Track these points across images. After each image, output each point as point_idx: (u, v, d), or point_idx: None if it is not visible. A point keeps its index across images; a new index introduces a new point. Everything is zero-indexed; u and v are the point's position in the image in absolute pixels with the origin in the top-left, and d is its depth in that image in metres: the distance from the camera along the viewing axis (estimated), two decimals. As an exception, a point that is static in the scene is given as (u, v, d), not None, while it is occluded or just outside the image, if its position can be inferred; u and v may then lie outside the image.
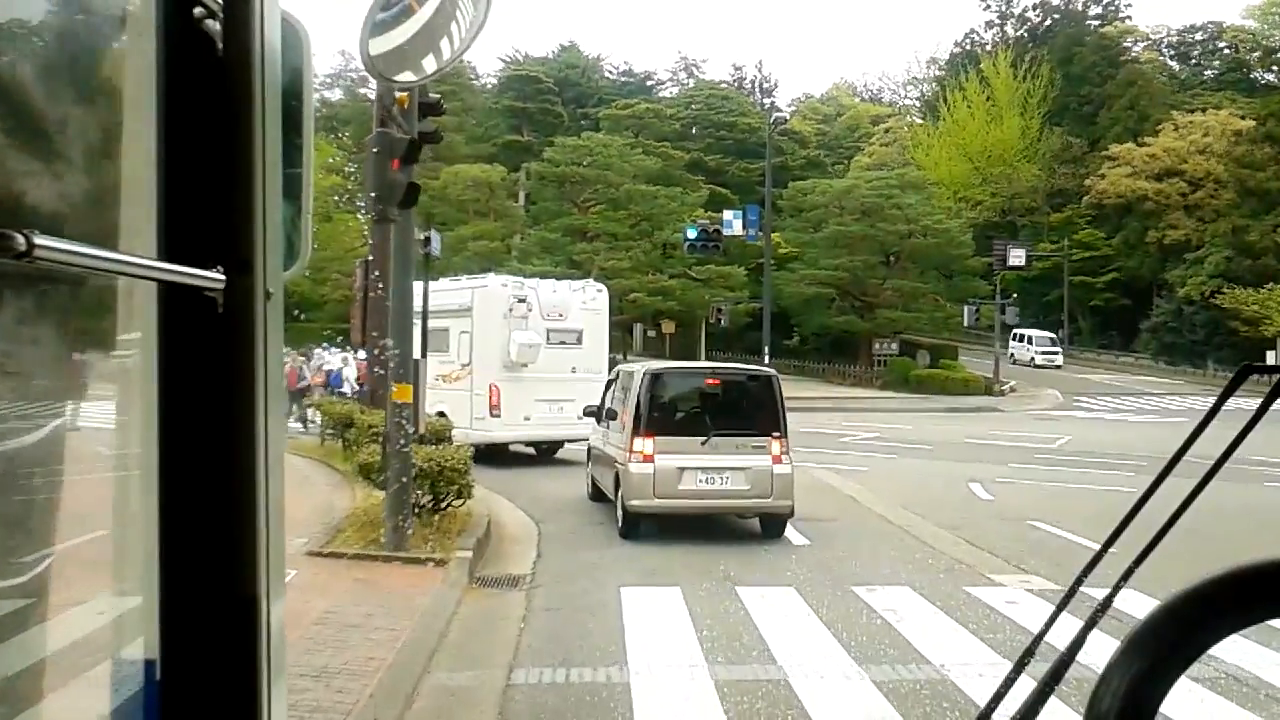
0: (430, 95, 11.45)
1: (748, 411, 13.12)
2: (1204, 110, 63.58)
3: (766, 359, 36.94)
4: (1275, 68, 70.88)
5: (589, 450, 16.15)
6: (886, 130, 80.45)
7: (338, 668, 7.29)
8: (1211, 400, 1.00)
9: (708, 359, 43.96)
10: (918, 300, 50.59)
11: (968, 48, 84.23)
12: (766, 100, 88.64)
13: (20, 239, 0.77)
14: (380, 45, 3.42)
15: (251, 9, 1.08)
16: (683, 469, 12.45)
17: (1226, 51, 77.56)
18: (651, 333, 56.77)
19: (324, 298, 49.57)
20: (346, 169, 56.08)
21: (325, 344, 33.36)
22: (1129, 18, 78.85)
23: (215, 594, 1.08)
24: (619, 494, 12.91)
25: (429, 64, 3.48)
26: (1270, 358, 41.55)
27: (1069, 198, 67.13)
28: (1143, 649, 0.90)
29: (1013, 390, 47.66)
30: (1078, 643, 1.01)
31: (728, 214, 44.94)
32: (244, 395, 1.08)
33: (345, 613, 8.75)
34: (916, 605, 9.59)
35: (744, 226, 44.00)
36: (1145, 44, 78.17)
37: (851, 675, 7.49)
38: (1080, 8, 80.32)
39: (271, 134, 1.11)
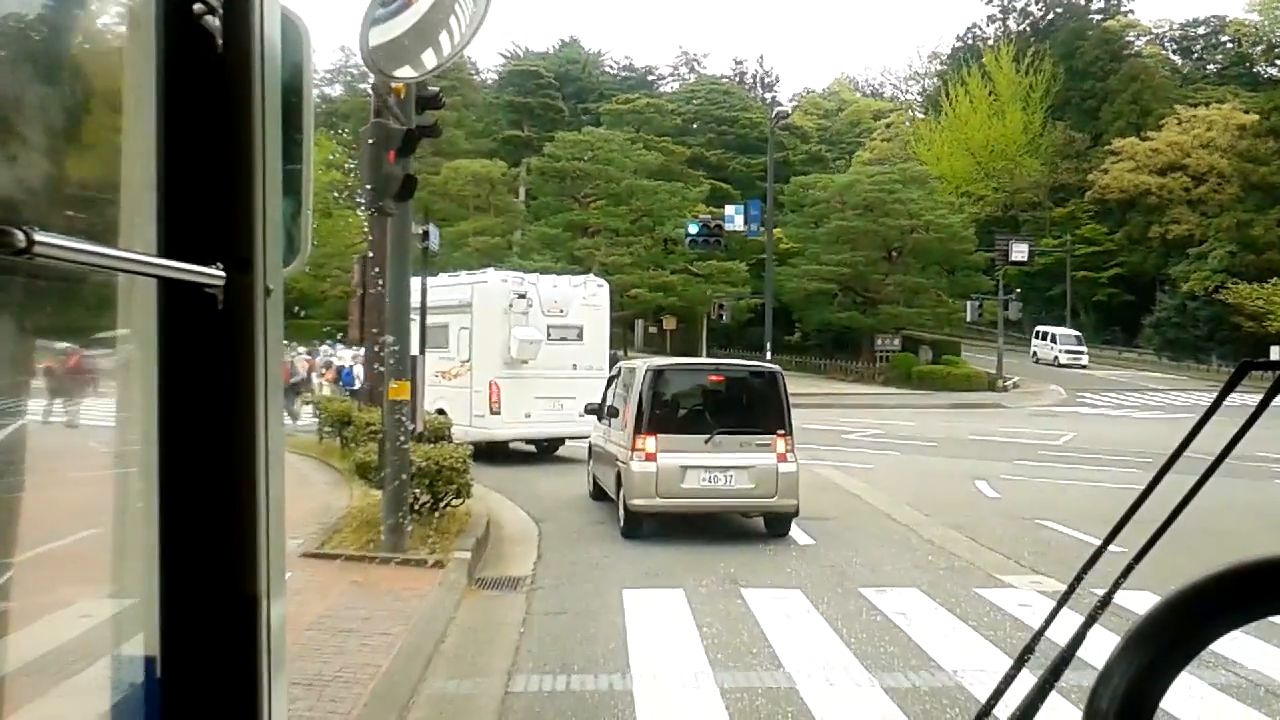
0: (429, 88, 11.22)
1: (752, 409, 12.89)
2: (1207, 105, 63.30)
3: (768, 355, 36.68)
4: (1279, 62, 70.59)
5: (590, 448, 15.93)
6: (888, 125, 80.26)
7: (331, 675, 7.07)
8: (1215, 396, 0.98)
9: (709, 355, 43.77)
10: (920, 296, 50.30)
11: (969, 42, 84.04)
12: (768, 95, 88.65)
13: (20, 235, 0.77)
14: (380, 41, 3.43)
15: (251, 5, 1.07)
16: (686, 467, 12.21)
17: (1229, 46, 77.39)
18: (653, 329, 56.60)
19: (324, 294, 49.41)
20: (346, 165, 55.82)
21: (331, 341, 33.12)
22: (1131, 11, 78.80)
23: (215, 591, 1.07)
24: (621, 493, 12.69)
25: (429, 59, 3.44)
26: (1275, 353, 41.20)
27: (1071, 192, 66.91)
28: (1143, 645, 0.90)
29: (1015, 386, 47.44)
30: (1078, 639, 1.02)
31: (729, 209, 44.61)
32: (244, 392, 1.07)
33: (340, 617, 8.53)
34: (926, 608, 9.36)
35: (745, 222, 43.66)
36: (1148, 38, 77.96)
37: (862, 682, 7.27)
38: (1083, 2, 80.00)
39: (271, 130, 1.10)
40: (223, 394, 1.07)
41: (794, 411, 12.93)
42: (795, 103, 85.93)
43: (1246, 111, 60.68)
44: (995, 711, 1.10)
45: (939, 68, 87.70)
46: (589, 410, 15.57)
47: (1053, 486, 18.00)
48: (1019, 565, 11.38)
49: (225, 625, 1.08)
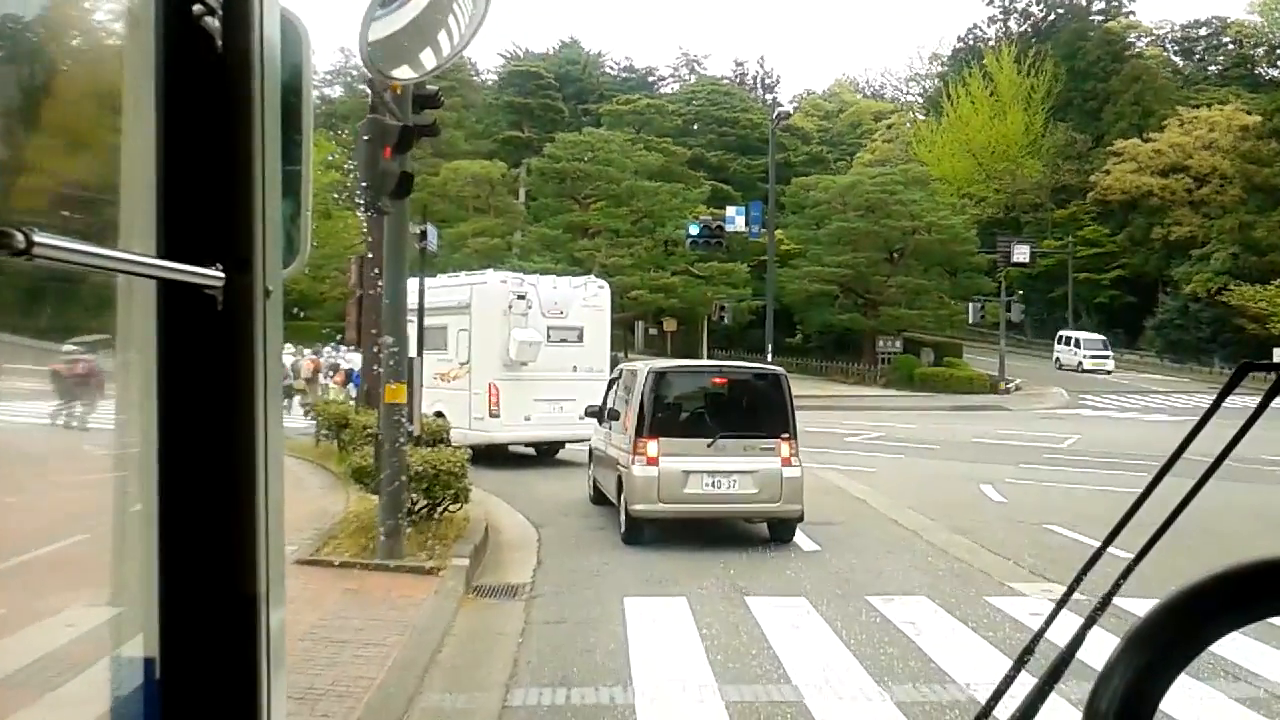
0: (428, 87, 10.99)
1: (755, 412, 12.66)
2: (1209, 106, 63.06)
3: (769, 357, 36.47)
4: (1280, 63, 70.50)
5: (590, 451, 15.70)
6: (889, 126, 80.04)
7: (324, 688, 6.85)
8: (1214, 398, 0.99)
9: (710, 357, 43.55)
10: (921, 297, 50.03)
11: (971, 43, 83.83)
12: (768, 96, 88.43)
13: (19, 236, 0.77)
14: (380, 41, 3.40)
15: (250, 6, 1.07)
16: (688, 472, 11.98)
17: (1231, 47, 77.12)
18: (653, 331, 56.35)
19: (323, 295, 49.28)
20: (346, 165, 55.73)
21: (334, 343, 32.91)
22: (1132, 13, 78.50)
23: (215, 592, 1.07)
24: (622, 498, 12.46)
25: (428, 60, 3.42)
26: (1278, 355, 40.94)
27: (1073, 194, 66.57)
28: (1143, 646, 0.90)
29: (1018, 389, 47.18)
30: (1077, 640, 1.02)
31: (730, 210, 44.38)
32: (243, 393, 1.07)
33: (334, 626, 8.31)
34: (936, 617, 9.12)
35: (746, 223, 43.44)
36: (1149, 39, 77.72)
37: (872, 695, 7.04)
38: (1084, 2, 79.81)
39: (271, 131, 1.10)
40: (222, 395, 1.07)
41: (796, 414, 12.71)
42: (796, 104, 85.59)
43: (1249, 113, 60.41)
44: (995, 712, 1.11)
45: (940, 69, 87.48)
46: (589, 413, 15.34)
47: (1059, 490, 17.76)
48: (1029, 572, 11.15)
49: (225, 626, 1.07)
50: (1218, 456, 1.00)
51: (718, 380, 13.31)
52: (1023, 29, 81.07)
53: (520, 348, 19.03)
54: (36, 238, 0.78)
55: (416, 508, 11.49)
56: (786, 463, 12.17)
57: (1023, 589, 10.29)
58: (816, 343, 56.44)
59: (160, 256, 1.04)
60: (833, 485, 17.12)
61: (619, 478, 12.66)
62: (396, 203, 10.20)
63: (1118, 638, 0.91)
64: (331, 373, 32.66)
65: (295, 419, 23.97)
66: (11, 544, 1.13)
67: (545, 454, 20.81)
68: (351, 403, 22.23)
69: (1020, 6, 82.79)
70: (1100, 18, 77.43)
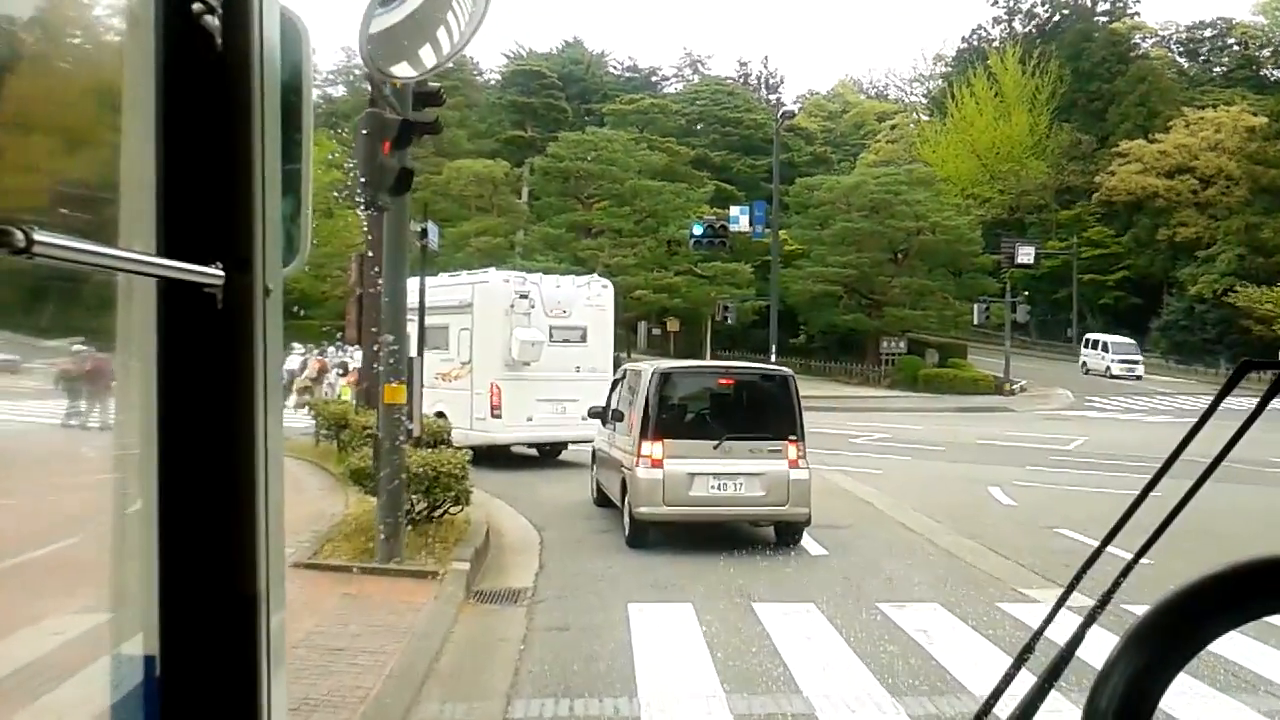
0: (430, 84, 10.77)
1: (762, 413, 12.42)
2: (1215, 107, 62.75)
3: (773, 357, 36.24)
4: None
5: (594, 453, 15.47)
6: (893, 127, 79.78)
7: (318, 698, 6.64)
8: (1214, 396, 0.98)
9: (713, 357, 43.24)
10: (926, 298, 49.80)
11: (975, 44, 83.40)
12: (772, 96, 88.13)
13: (19, 235, 0.77)
14: (380, 39, 3.41)
15: (250, 5, 1.07)
16: (694, 474, 11.76)
17: (1236, 48, 76.79)
18: (656, 331, 56.16)
19: (324, 294, 48.94)
20: (347, 164, 55.42)
21: (339, 344, 32.63)
22: (1137, 13, 78.12)
23: (215, 590, 1.07)
24: (626, 500, 12.23)
25: (428, 58, 3.40)
26: (1283, 357, 40.64)
27: (1078, 195, 66.32)
28: (1142, 645, 0.90)
29: (1023, 390, 46.91)
30: (1077, 639, 1.02)
31: (734, 210, 44.14)
32: (243, 392, 1.07)
33: (330, 633, 8.09)
34: (949, 625, 8.89)
35: (750, 223, 43.23)
36: (1154, 40, 77.39)
37: (885, 708, 6.82)
38: (1089, 3, 79.50)
39: (271, 130, 1.10)
40: (222, 394, 1.07)
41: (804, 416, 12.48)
42: (799, 104, 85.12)
43: (1255, 114, 60.11)
44: (995, 710, 1.11)
45: (944, 69, 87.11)
46: (593, 414, 15.10)
47: (1067, 493, 17.50)
48: (1041, 577, 10.90)
49: (225, 625, 1.07)
50: (1217, 456, 1.00)
51: (724, 381, 13.08)
52: (1027, 29, 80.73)
53: (522, 347, 18.80)
54: (36, 236, 0.78)
55: (416, 510, 11.28)
56: (794, 465, 11.95)
57: (1036, 595, 10.05)
58: (820, 343, 56.19)
59: (160, 255, 1.04)
60: (839, 487, 16.89)
61: (623, 480, 12.43)
62: (396, 199, 9.98)
63: (1117, 637, 0.91)
64: (341, 371, 32.33)
65: (291, 416, 23.73)
66: (11, 543, 1.14)
67: (548, 455, 20.57)
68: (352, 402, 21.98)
69: (1025, 7, 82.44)
70: (1105, 18, 77.13)
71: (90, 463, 1.32)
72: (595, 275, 23.82)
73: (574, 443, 19.28)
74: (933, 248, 50.08)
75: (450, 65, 3.99)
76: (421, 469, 11.09)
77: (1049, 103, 66.35)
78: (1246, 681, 7.18)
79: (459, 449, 13.28)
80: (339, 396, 28.37)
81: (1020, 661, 1.10)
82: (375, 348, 13.28)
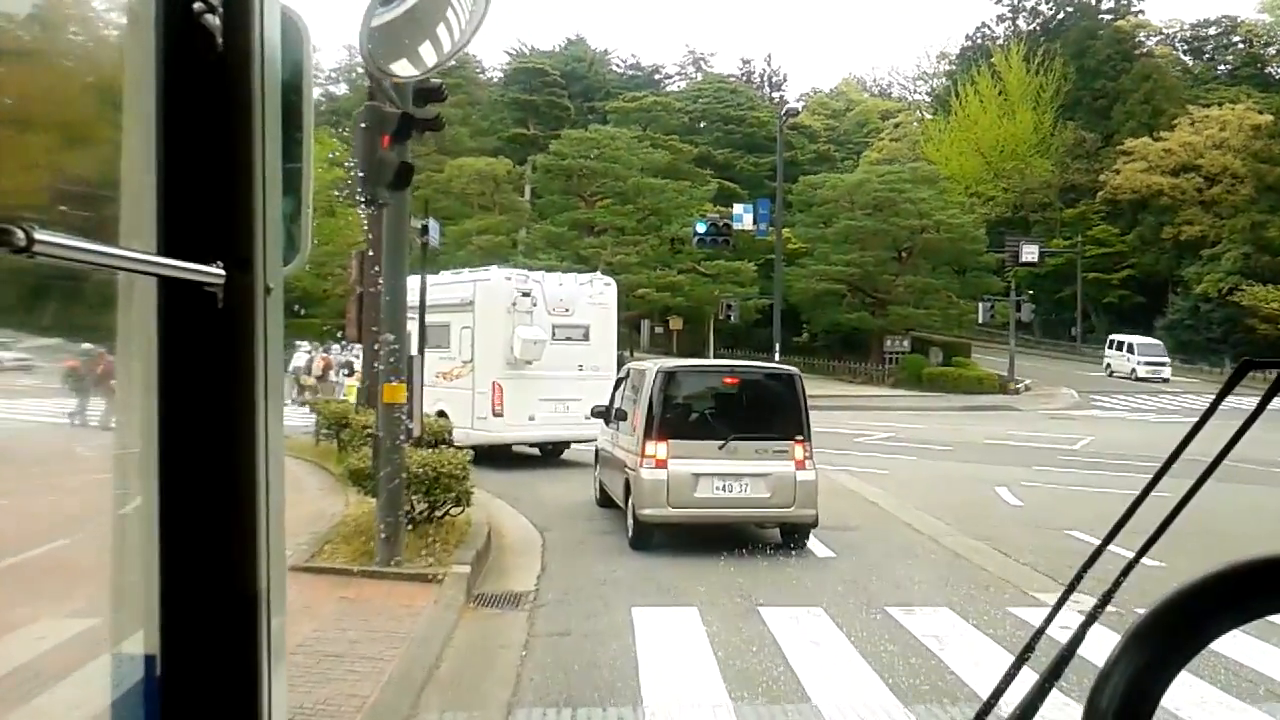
0: (431, 81, 10.57)
1: (768, 413, 12.22)
2: (1220, 105, 62.45)
3: (777, 356, 36.04)
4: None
5: (597, 453, 15.28)
6: (896, 125, 79.52)
7: (313, 706, 6.45)
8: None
9: (716, 356, 43.05)
10: (930, 297, 49.53)
11: (979, 41, 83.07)
12: (775, 95, 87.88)
13: (20, 234, 0.78)
14: (381, 38, 3.37)
15: (251, 4, 1.07)
16: (698, 475, 11.56)
17: (1240, 47, 76.46)
18: (659, 329, 55.94)
19: (326, 293, 48.73)
20: (348, 162, 55.22)
21: (344, 344, 32.42)
22: (1141, 11, 77.76)
23: (215, 589, 1.07)
24: (629, 501, 12.04)
25: (429, 56, 3.36)
26: (1289, 356, 40.33)
27: (1082, 193, 66.01)
28: (1143, 643, 0.90)
29: (1028, 389, 46.67)
30: (1078, 637, 1.02)
31: (738, 208, 43.85)
32: (244, 391, 1.08)
33: (327, 639, 7.90)
34: (960, 630, 8.69)
35: (754, 221, 42.97)
36: (1158, 38, 77.04)
37: (897, 716, 6.62)
38: (1093, 1, 79.14)
39: (271, 129, 1.10)
40: (222, 393, 1.07)
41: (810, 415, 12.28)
42: (802, 102, 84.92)
43: (1260, 112, 59.80)
44: (997, 709, 1.11)
45: (948, 68, 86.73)
46: (596, 413, 14.90)
47: (1075, 493, 17.28)
48: (1052, 580, 10.68)
49: (225, 623, 1.07)
50: (1217, 455, 0.99)
51: (729, 380, 12.87)
52: (1031, 27, 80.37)
53: (525, 346, 18.60)
54: (37, 235, 0.78)
55: (416, 511, 11.08)
56: (800, 466, 11.75)
57: (1048, 599, 9.83)
58: (823, 342, 56.04)
59: (161, 254, 1.04)
60: (844, 488, 16.70)
61: (626, 481, 12.24)
62: (395, 195, 9.78)
63: (1118, 635, 0.91)
64: (347, 371, 32.13)
65: (291, 413, 23.57)
66: (12, 542, 1.14)
67: (550, 455, 20.40)
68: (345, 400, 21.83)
69: (1029, 5, 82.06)
70: (1109, 16, 76.70)
71: (91, 461, 1.34)
72: (598, 273, 23.60)
73: (576, 442, 19.11)
74: (937, 246, 49.84)
75: (452, 63, 3.97)
76: (422, 469, 10.90)
77: (1053, 101, 65.99)
78: (1248, 680, 7.15)
79: (460, 448, 13.10)
80: (344, 396, 28.16)
81: (1021, 660, 1.10)
82: (376, 346, 13.11)
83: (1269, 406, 0.96)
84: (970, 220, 52.05)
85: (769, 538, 12.45)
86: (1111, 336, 56.91)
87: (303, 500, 13.75)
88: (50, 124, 1.06)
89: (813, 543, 12.16)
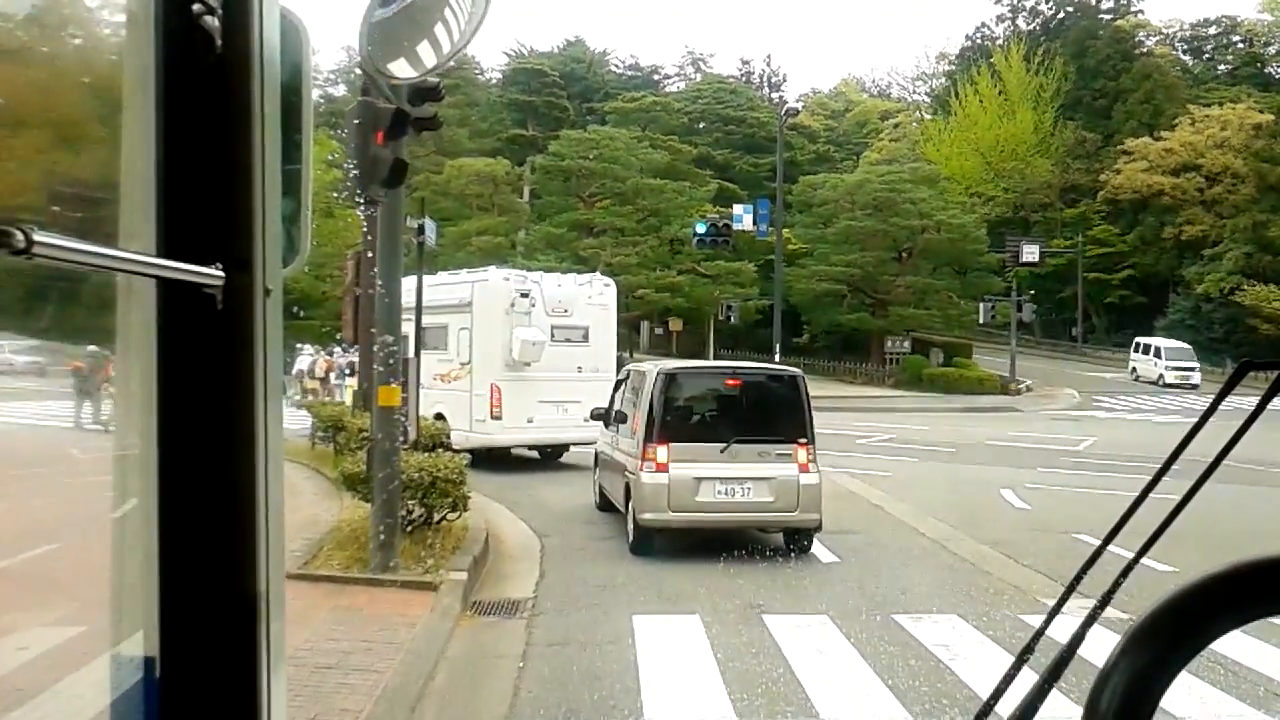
0: (428, 79, 10.35)
1: (771, 415, 11.99)
2: (1221, 104, 62.23)
3: (777, 357, 35.81)
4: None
5: (596, 456, 15.05)
6: (896, 126, 79.31)
7: (304, 722, 6.21)
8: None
9: (716, 357, 42.87)
10: (930, 297, 49.37)
11: (979, 41, 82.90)
12: (774, 95, 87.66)
13: (19, 235, 0.78)
14: (379, 39, 3.35)
15: (250, 5, 1.07)
16: (700, 479, 11.34)
17: (1240, 46, 76.28)
18: (659, 330, 55.73)
19: (325, 294, 48.55)
20: (347, 164, 55.00)
21: (344, 346, 32.18)
22: (1141, 11, 77.52)
23: (215, 591, 1.07)
24: (630, 505, 11.81)
25: (428, 57, 3.29)
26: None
27: (1083, 193, 65.79)
28: (1144, 644, 0.90)
29: (1029, 389, 46.47)
30: (1078, 638, 1.03)
31: (738, 209, 43.56)
32: (243, 392, 1.08)
33: (320, 649, 7.66)
34: (970, 638, 8.45)
35: (754, 222, 42.72)
36: (1158, 38, 76.82)
37: (907, 730, 6.39)
38: (1093, 1, 78.91)
39: (271, 130, 1.10)
40: (222, 394, 1.07)
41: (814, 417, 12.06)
42: (801, 103, 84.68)
43: (1261, 111, 59.58)
44: (997, 709, 1.11)
45: (947, 68, 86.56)
46: (595, 416, 14.68)
47: (1081, 496, 17.05)
48: (1063, 586, 10.42)
49: (225, 625, 1.07)
50: (1217, 456, 0.99)
51: (731, 382, 12.64)
52: (1031, 27, 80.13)
53: (523, 347, 18.37)
54: (37, 236, 0.78)
55: (412, 516, 10.86)
56: (804, 469, 11.53)
57: (1074, 613, 9.59)
58: (824, 343, 55.83)
59: (160, 256, 1.04)
60: (847, 491, 16.48)
61: (627, 484, 12.01)
62: (390, 193, 9.56)
63: (1118, 635, 0.90)
64: (349, 373, 31.87)
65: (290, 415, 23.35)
66: (13, 542, 1.15)
67: (549, 458, 20.17)
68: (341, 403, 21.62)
69: (1029, 5, 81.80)
70: (1109, 16, 76.46)
71: (90, 462, 1.34)
72: (597, 274, 23.38)
73: (576, 445, 18.87)
74: (937, 246, 49.66)
75: (451, 64, 3.94)
76: (418, 474, 10.67)
77: (1053, 100, 65.82)
78: (1248, 681, 7.13)
79: (458, 452, 12.88)
80: (344, 398, 27.94)
81: (1021, 661, 1.11)
82: (375, 348, 12.89)
83: (1268, 407, 0.95)
84: (971, 220, 51.85)
85: (772, 542, 12.23)
86: (1138, 340, 54.71)
87: (298, 505, 13.52)
88: (49, 125, 1.07)
89: (817, 547, 11.93)
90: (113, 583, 1.16)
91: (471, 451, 15.05)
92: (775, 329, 39.35)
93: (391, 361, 10.14)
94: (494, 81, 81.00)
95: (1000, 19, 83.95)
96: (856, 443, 24.78)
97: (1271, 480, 17.50)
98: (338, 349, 34.01)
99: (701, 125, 71.58)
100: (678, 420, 11.91)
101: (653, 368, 12.44)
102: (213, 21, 1.04)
